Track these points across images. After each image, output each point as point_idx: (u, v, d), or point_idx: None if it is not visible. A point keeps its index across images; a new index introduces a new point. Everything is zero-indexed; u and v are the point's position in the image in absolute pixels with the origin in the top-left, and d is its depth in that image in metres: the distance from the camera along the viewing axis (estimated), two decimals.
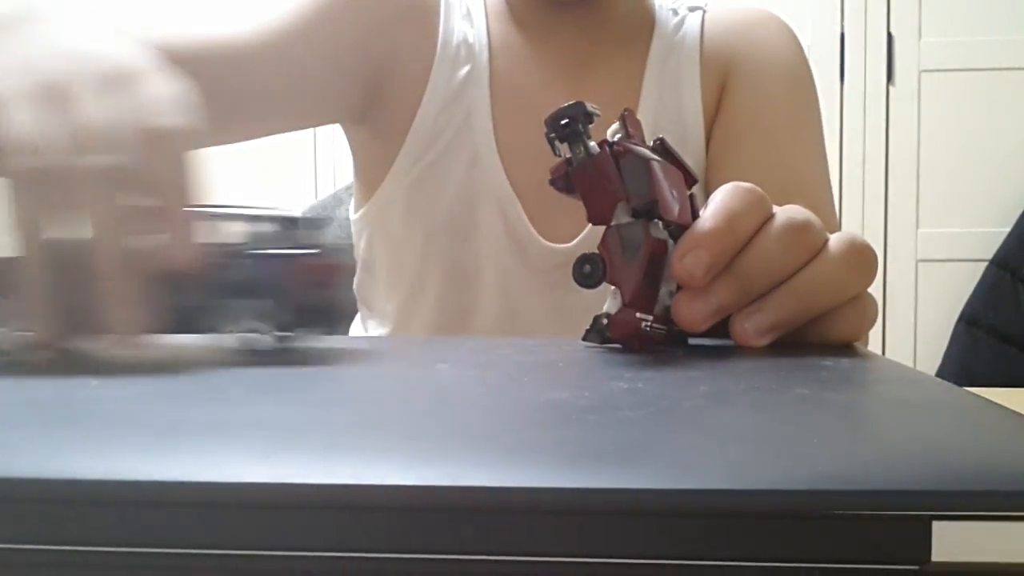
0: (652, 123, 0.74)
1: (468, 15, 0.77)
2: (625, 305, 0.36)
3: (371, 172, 0.78)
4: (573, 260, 0.78)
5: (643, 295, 0.36)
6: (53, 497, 0.18)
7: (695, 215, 0.37)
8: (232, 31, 0.70)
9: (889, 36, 2.04)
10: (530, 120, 0.74)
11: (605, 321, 0.37)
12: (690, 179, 0.40)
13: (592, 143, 0.38)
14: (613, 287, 0.38)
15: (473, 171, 0.74)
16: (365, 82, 0.75)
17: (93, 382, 0.27)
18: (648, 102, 0.75)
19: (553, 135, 0.38)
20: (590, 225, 0.72)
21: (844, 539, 0.17)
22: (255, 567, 0.18)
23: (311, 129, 1.45)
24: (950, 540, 0.17)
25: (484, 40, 0.76)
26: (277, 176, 2.17)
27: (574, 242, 0.73)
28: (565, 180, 0.38)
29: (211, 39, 0.69)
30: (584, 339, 0.38)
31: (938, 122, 2.04)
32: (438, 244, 0.75)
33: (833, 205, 0.77)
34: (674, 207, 0.36)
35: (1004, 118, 2.03)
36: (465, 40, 0.75)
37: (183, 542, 0.18)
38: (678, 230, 0.37)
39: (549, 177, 0.39)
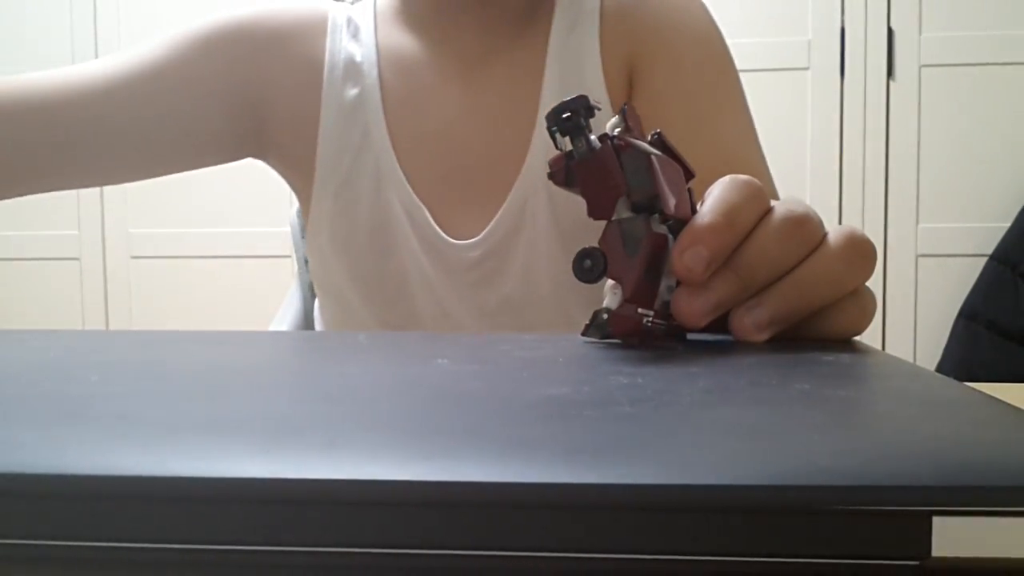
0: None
1: (356, 33, 0.76)
2: (626, 300, 0.36)
3: (303, 205, 0.79)
4: (482, 258, 0.79)
5: (644, 290, 0.36)
6: (51, 492, 0.18)
7: (693, 209, 0.37)
8: (81, 72, 0.70)
9: (889, 31, 2.04)
10: (426, 127, 0.75)
11: (605, 316, 0.37)
12: (688, 173, 0.40)
13: (593, 137, 0.37)
14: (612, 282, 0.38)
15: (379, 188, 0.74)
16: (234, 114, 0.75)
17: (93, 378, 0.27)
18: (551, 87, 0.73)
19: (555, 128, 0.38)
20: (494, 219, 0.73)
21: (844, 534, 0.17)
22: (254, 562, 0.18)
23: None
24: (950, 535, 0.17)
25: (373, 57, 0.75)
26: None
27: (479, 236, 0.73)
28: (565, 174, 0.38)
29: (57, 81, 0.69)
30: (584, 334, 0.38)
31: (938, 117, 2.04)
32: (364, 265, 0.75)
33: (770, 177, 0.74)
34: (672, 202, 0.36)
35: (1004, 113, 2.03)
36: (352, 60, 0.75)
37: (182, 537, 0.18)
38: (677, 225, 0.37)
39: (548, 170, 0.39)
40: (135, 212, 2.34)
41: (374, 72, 0.75)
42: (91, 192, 2.35)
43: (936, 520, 0.17)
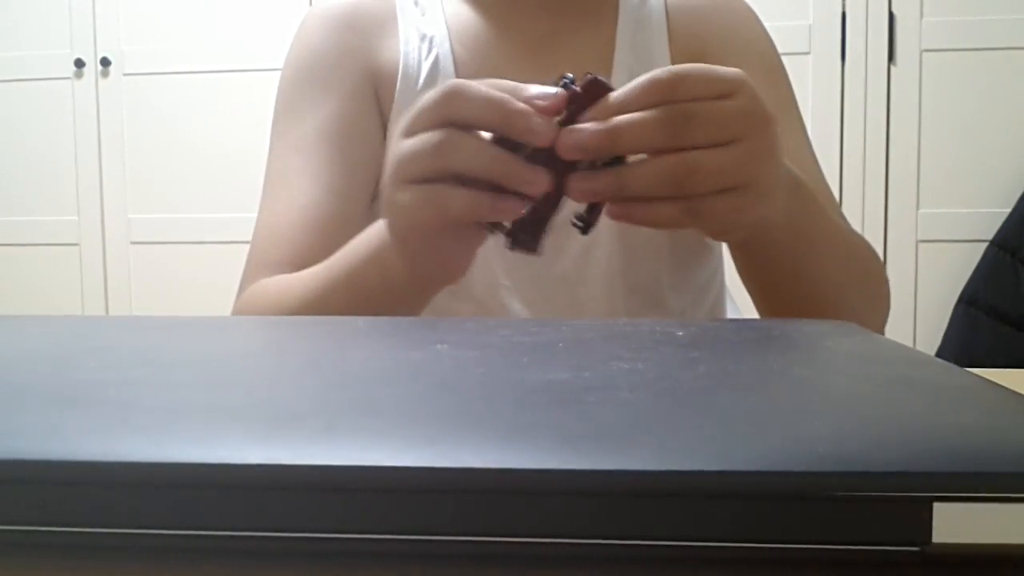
0: None
1: (424, 13, 0.79)
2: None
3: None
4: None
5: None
6: (52, 478, 0.18)
7: None
8: (308, 200, 0.70)
9: (891, 15, 2.03)
10: None
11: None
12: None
13: None
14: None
15: None
16: (372, 104, 0.77)
17: (92, 364, 0.27)
18: (621, 77, 0.75)
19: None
20: None
21: (846, 520, 0.17)
22: (254, 547, 0.18)
23: None
24: (951, 521, 0.17)
25: (444, 32, 0.77)
26: None
27: None
28: None
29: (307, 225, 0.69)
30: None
31: (939, 102, 2.04)
32: None
33: (827, 184, 0.76)
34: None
35: (1005, 98, 2.02)
36: (424, 35, 0.77)
37: (181, 523, 0.18)
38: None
39: None
40: (134, 198, 2.33)
41: (446, 45, 0.76)
42: (90, 178, 2.34)
43: (937, 506, 0.17)
